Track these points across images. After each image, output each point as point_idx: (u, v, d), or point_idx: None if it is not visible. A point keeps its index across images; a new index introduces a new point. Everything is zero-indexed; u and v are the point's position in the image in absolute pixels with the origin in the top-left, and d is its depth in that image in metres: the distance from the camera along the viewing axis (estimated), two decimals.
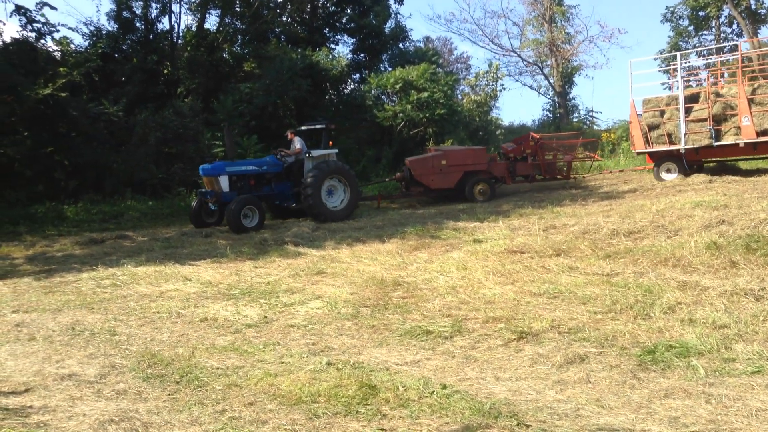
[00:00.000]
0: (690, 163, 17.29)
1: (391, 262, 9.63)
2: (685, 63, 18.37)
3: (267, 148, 22.23)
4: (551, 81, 37.32)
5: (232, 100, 22.62)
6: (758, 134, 15.87)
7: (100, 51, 22.50)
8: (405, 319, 6.80)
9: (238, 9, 26.78)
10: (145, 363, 5.86)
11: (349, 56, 29.16)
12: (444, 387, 4.82)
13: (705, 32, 34.69)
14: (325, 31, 29.17)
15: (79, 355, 6.22)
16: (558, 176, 19.55)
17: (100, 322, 7.48)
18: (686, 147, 16.68)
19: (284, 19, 29.07)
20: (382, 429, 4.23)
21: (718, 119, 16.46)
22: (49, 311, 8.13)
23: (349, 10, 29.04)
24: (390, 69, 27.13)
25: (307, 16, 28.99)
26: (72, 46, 23.15)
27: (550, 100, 38.56)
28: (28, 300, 8.81)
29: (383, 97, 25.65)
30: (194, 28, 26.33)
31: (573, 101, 37.89)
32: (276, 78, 22.65)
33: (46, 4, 19.81)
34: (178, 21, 25.88)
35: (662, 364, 5.08)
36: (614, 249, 9.01)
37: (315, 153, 15.96)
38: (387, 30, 29.52)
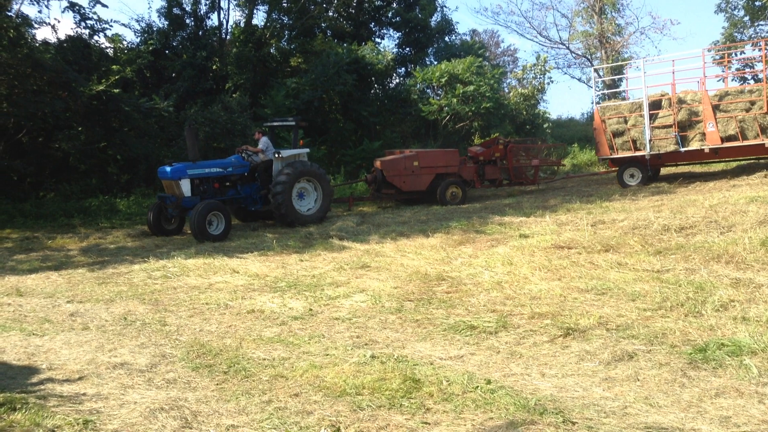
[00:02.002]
0: (651, 168, 17.56)
1: (435, 256, 9.62)
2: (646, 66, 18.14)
3: (312, 143, 22.41)
4: (601, 73, 36.63)
5: (281, 95, 22.86)
6: (723, 140, 16.00)
7: (151, 47, 22.96)
8: (449, 313, 6.79)
9: (285, 5, 27.00)
10: (194, 353, 5.99)
11: (395, 50, 29.16)
12: (488, 382, 4.80)
13: (761, 23, 33.52)
14: (371, 26, 29.21)
15: (131, 345, 6.39)
16: (524, 181, 19.16)
17: (151, 312, 7.67)
18: (651, 153, 16.85)
19: (331, 14, 29.20)
20: (425, 423, 4.24)
21: (683, 125, 16.63)
22: (102, 301, 8.36)
23: (395, 4, 29.02)
24: (436, 63, 27.01)
25: (353, 11, 29.06)
26: (124, 42, 23.70)
27: (599, 93, 37.87)
28: (82, 290, 9.08)
29: (428, 90, 25.56)
30: (242, 24, 26.65)
31: (623, 94, 37.10)
32: (322, 73, 22.78)
33: (98, 1, 20.30)
34: (226, 17, 26.26)
35: (714, 362, 4.96)
36: (665, 245, 8.83)
37: (285, 153, 14.79)
38: (433, 23, 29.40)
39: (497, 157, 18.42)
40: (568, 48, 37.57)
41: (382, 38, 30.10)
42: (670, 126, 16.67)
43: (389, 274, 8.73)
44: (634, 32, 35.60)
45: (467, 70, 23.84)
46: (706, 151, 16.30)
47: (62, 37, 19.93)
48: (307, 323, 6.87)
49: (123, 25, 27.12)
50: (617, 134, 17.45)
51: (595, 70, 22.37)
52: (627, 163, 17.44)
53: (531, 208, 13.93)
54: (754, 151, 16.27)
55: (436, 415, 4.33)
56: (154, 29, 24.96)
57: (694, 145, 16.39)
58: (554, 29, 55.70)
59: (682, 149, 16.48)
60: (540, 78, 28.44)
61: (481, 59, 25.77)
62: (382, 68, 25.00)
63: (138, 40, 24.70)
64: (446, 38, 30.07)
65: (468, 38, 33.71)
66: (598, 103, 19.22)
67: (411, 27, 28.71)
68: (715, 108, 16.11)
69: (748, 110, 15.96)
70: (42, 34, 56.91)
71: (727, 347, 5.14)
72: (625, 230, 9.99)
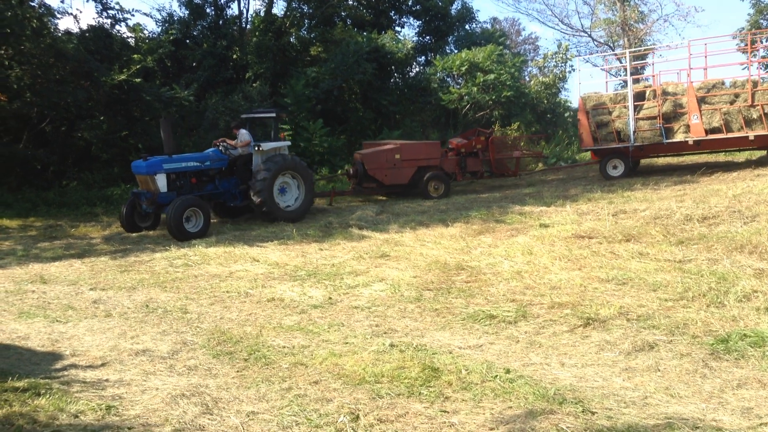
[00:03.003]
0: (632, 159, 17.55)
1: (454, 246, 9.60)
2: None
3: (332, 132, 22.40)
4: (623, 61, 36.19)
5: (301, 84, 22.90)
6: (707, 132, 16.06)
7: (171, 37, 23.07)
8: (468, 303, 6.78)
9: None
10: (215, 340, 6.05)
11: (415, 39, 29.01)
12: (507, 371, 4.80)
13: None
14: (391, 14, 29.07)
15: (153, 332, 6.47)
16: (506, 173, 18.65)
17: (172, 300, 7.75)
18: (636, 144, 16.83)
19: (350, 2, 29.10)
20: (444, 411, 4.24)
21: (667, 117, 16.66)
22: (124, 289, 8.46)
23: None
24: (456, 51, 26.85)
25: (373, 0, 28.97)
26: (145, 32, 23.82)
27: (621, 82, 37.46)
28: (105, 278, 9.19)
29: (449, 79, 25.43)
30: (262, 13, 26.65)
31: (646, 82, 36.65)
32: (342, 62, 22.75)
33: None
34: (246, 6, 26.28)
35: (736, 353, 4.91)
36: (687, 235, 8.74)
37: (265, 146, 13.95)
38: (453, 11, 29.20)
39: (479, 149, 17.96)
40: (590, 36, 37.16)
41: (402, 27, 29.95)
42: (654, 117, 16.68)
43: (408, 264, 8.74)
44: (657, 19, 35.12)
45: (488, 59, 23.68)
46: (690, 143, 16.36)
47: (84, 26, 20.13)
48: (326, 312, 6.90)
49: (144, 14, 27.23)
50: (601, 125, 17.41)
51: (571, 64, 22.15)
52: (610, 154, 17.38)
53: (551, 198, 13.84)
54: (737, 144, 16.38)
55: (455, 404, 4.34)
56: (175, 18, 25.08)
57: (679, 137, 16.44)
58: (576, 17, 55.17)
59: (666, 141, 16.52)
60: (561, 66, 28.18)
61: (501, 47, 25.59)
62: (402, 57, 24.90)
63: (159, 29, 24.84)
64: (466, 26, 29.86)
65: (489, 26, 33.46)
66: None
67: (431, 15, 28.55)
68: (700, 100, 16.17)
69: (732, 103, 15.99)
70: (64, 24, 57.52)
71: (749, 338, 5.08)
72: (647, 220, 9.89)
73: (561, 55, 28.31)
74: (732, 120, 15.82)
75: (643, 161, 19.30)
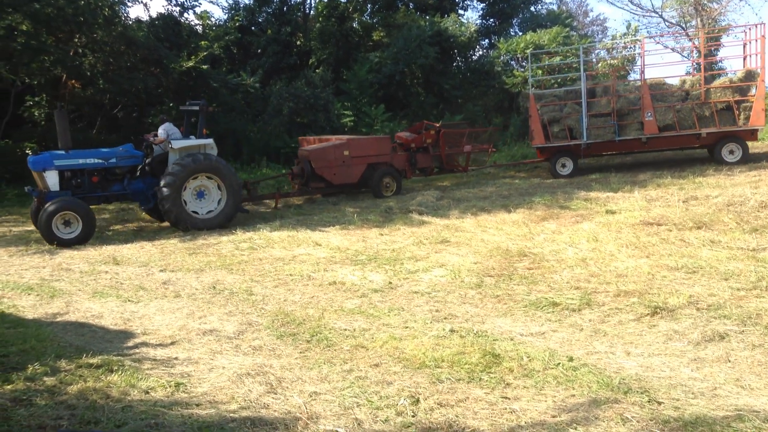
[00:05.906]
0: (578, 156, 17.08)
1: (517, 232, 9.49)
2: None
3: (394, 117, 22.38)
4: (696, 43, 34.83)
5: (364, 70, 22.95)
6: (660, 129, 15.84)
7: (237, 24, 23.47)
8: (530, 290, 6.70)
9: None
10: (279, 322, 6.17)
11: (478, 22, 28.72)
12: (570, 359, 4.73)
13: None
14: None
15: (220, 312, 6.64)
16: (456, 169, 17.43)
17: (238, 282, 7.93)
18: (588, 141, 16.37)
19: None
20: (505, 397, 4.22)
21: (621, 114, 16.32)
22: (192, 271, 8.70)
23: None
24: (520, 33, 26.40)
25: None
26: (212, 19, 24.33)
27: (694, 64, 36.06)
28: (174, 260, 9.47)
29: (512, 62, 25.05)
30: None
31: (719, 64, 35.22)
32: (404, 46, 22.69)
33: None
34: None
35: None
36: (762, 222, 8.41)
37: (177, 144, 12.17)
38: None
39: (429, 143, 16.74)
40: (661, 16, 35.89)
41: (465, 9, 29.68)
42: (608, 114, 16.29)
43: (469, 250, 8.69)
44: None
45: (553, 41, 23.21)
46: (643, 140, 16.11)
47: (154, 14, 20.68)
48: (386, 296, 6.94)
49: (210, 2, 27.79)
50: (552, 122, 16.90)
51: (533, 54, 21.15)
52: (558, 152, 16.87)
53: (618, 183, 13.51)
54: (687, 141, 16.26)
55: (516, 391, 4.31)
56: (241, 6, 25.50)
57: (632, 134, 16.14)
58: None
59: (618, 138, 16.18)
60: (630, 48, 27.35)
61: (568, 29, 25.03)
62: (465, 40, 24.64)
63: (225, 16, 25.31)
64: (532, 8, 29.32)
65: (555, 8, 32.78)
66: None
67: None
68: (654, 97, 15.94)
69: (684, 100, 15.91)
70: (135, 12, 59.19)
71: None
72: (720, 207, 9.56)
73: (630, 36, 27.46)
74: (685, 117, 15.74)
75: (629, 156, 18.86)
